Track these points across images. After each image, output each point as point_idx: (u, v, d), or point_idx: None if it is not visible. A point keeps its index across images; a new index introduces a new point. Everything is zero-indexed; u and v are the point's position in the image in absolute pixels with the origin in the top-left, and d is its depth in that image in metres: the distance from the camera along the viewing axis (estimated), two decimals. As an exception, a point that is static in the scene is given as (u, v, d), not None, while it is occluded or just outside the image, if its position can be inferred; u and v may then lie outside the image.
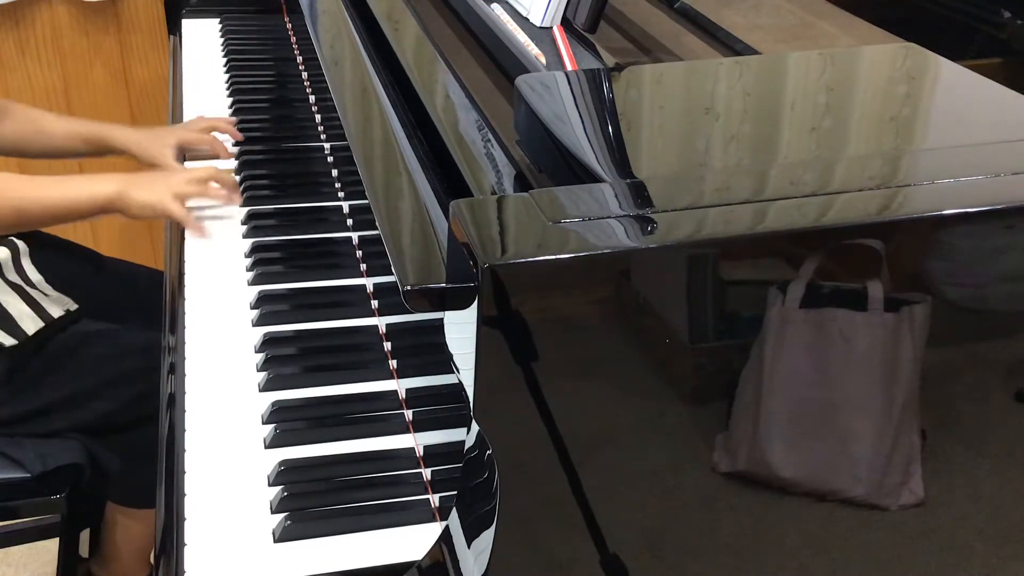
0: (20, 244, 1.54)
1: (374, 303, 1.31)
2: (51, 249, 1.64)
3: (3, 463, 1.46)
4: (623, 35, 1.22)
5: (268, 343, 1.23)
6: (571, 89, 0.98)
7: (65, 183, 1.40)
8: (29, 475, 1.46)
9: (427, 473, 1.05)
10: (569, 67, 1.02)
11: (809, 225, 0.79)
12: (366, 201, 1.12)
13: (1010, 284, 0.86)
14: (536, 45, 1.07)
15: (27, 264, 1.55)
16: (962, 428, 0.89)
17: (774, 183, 0.85)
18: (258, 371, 1.19)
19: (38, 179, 1.41)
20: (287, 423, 1.11)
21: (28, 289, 1.50)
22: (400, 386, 1.17)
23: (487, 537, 0.81)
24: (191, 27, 2.17)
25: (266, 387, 1.16)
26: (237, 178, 1.57)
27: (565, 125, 0.91)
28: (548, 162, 0.92)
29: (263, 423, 1.12)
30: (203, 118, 1.72)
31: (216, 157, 1.65)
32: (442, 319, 0.86)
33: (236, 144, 1.69)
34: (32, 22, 2.31)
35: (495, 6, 1.19)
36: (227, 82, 1.92)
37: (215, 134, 1.69)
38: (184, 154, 1.67)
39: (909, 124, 0.95)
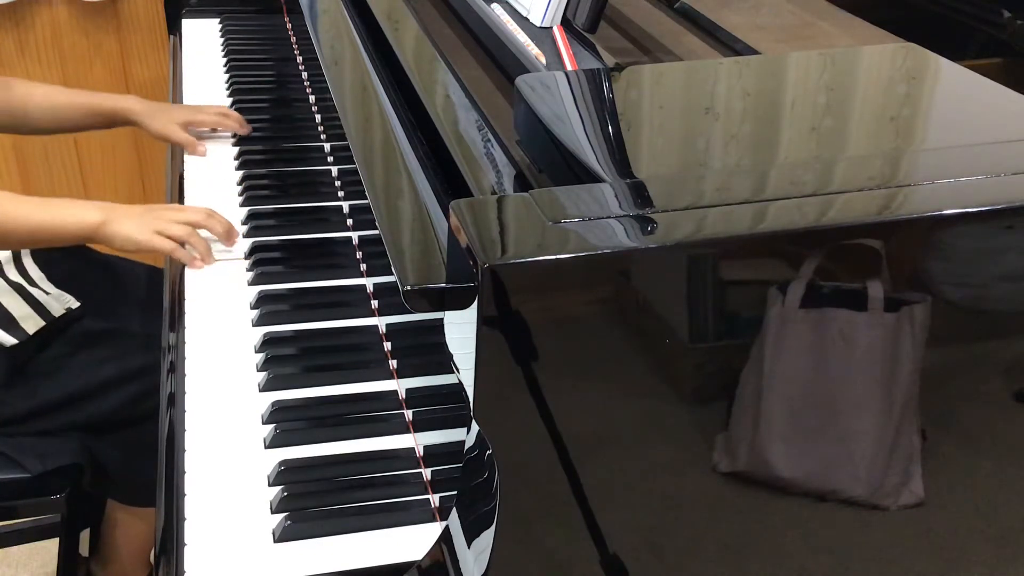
0: (21, 242, 1.54)
1: (374, 303, 1.31)
2: (52, 247, 1.64)
3: (3, 463, 1.46)
4: (623, 35, 1.22)
5: (268, 343, 1.23)
6: (571, 89, 0.98)
7: (52, 206, 1.39)
8: (29, 475, 1.46)
9: (427, 473, 1.05)
10: (569, 67, 1.02)
11: (809, 225, 0.79)
12: (366, 201, 1.12)
13: (1010, 284, 0.86)
14: (536, 45, 1.07)
15: (28, 262, 1.55)
16: (962, 428, 0.89)
17: (774, 183, 0.85)
18: (258, 371, 1.19)
19: (24, 199, 1.39)
20: (287, 423, 1.11)
21: (29, 288, 1.50)
22: (400, 386, 1.17)
23: (487, 537, 0.81)
24: (191, 27, 2.17)
25: (266, 387, 1.16)
26: (241, 216, 1.51)
27: (565, 125, 0.91)
28: (548, 162, 0.92)
29: (263, 423, 1.12)
30: (216, 106, 1.74)
31: (227, 129, 1.71)
32: (442, 319, 0.86)
33: (236, 144, 1.69)
34: (32, 22, 2.31)
35: (495, 6, 1.19)
36: (227, 82, 1.92)
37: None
38: (187, 128, 1.70)
39: (909, 124, 0.95)
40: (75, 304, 1.53)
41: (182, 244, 1.38)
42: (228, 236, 1.41)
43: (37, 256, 1.57)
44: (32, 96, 1.68)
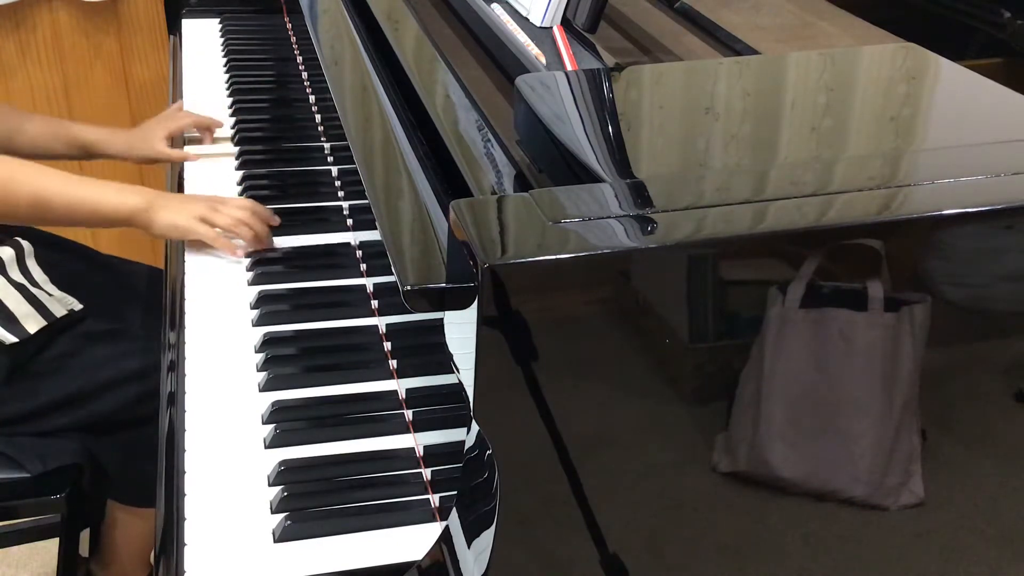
0: (25, 244, 1.54)
1: (374, 303, 1.31)
2: (54, 249, 1.64)
3: (3, 463, 1.46)
4: (623, 35, 1.22)
5: (268, 343, 1.23)
6: (571, 89, 0.98)
7: (94, 185, 1.38)
8: (29, 475, 1.46)
9: (427, 473, 1.05)
10: (569, 67, 1.02)
11: (809, 225, 0.79)
12: (366, 201, 1.12)
13: (1010, 284, 0.86)
14: (536, 45, 1.07)
15: (32, 264, 1.55)
16: (962, 428, 0.89)
17: (774, 183, 0.85)
18: (258, 371, 1.19)
19: (65, 175, 1.39)
20: (287, 423, 1.11)
21: (32, 289, 1.50)
22: (400, 386, 1.17)
23: (487, 537, 0.81)
24: (191, 27, 2.17)
25: (266, 387, 1.16)
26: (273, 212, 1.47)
27: (565, 125, 0.91)
28: (548, 162, 0.92)
29: (263, 423, 1.12)
30: (188, 112, 1.75)
31: (204, 129, 1.72)
32: (442, 319, 0.86)
33: (236, 144, 1.69)
34: (33, 24, 2.31)
35: (495, 6, 1.19)
36: (227, 82, 1.92)
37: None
38: (173, 140, 1.71)
39: (909, 124, 0.95)
40: (78, 306, 1.53)
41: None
42: (266, 237, 1.40)
43: (40, 258, 1.57)
44: (21, 129, 1.66)
